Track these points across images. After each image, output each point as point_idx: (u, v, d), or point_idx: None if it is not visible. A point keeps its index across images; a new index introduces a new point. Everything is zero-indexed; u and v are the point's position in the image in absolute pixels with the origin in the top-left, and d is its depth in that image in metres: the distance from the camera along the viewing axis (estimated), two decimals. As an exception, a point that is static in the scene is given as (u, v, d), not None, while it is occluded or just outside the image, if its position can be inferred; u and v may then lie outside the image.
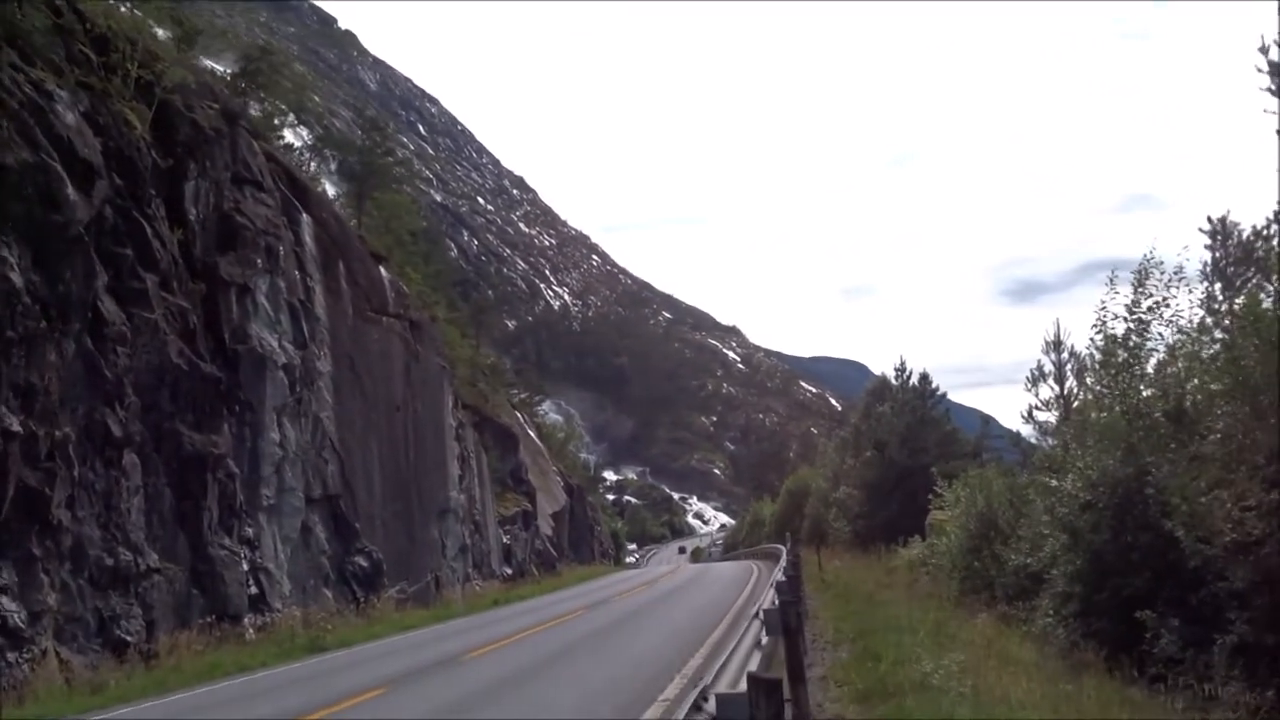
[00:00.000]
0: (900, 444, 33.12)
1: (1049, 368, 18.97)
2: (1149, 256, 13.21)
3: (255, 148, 24.70)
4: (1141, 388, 12.43)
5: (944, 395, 35.57)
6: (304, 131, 57.02)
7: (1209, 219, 13.10)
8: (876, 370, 49.19)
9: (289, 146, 42.34)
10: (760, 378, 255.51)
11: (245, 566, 20.70)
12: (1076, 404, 17.56)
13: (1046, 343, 19.09)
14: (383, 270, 30.59)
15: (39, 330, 15.32)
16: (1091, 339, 14.21)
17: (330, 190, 39.23)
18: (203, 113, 22.62)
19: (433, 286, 62.62)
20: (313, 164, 39.30)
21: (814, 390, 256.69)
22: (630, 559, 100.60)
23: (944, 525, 20.39)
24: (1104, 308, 13.62)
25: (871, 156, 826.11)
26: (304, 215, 26.41)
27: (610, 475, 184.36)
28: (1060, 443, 13.80)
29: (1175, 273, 12.86)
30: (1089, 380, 15.69)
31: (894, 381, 37.77)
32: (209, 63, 28.59)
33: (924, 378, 35.45)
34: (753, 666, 6.63)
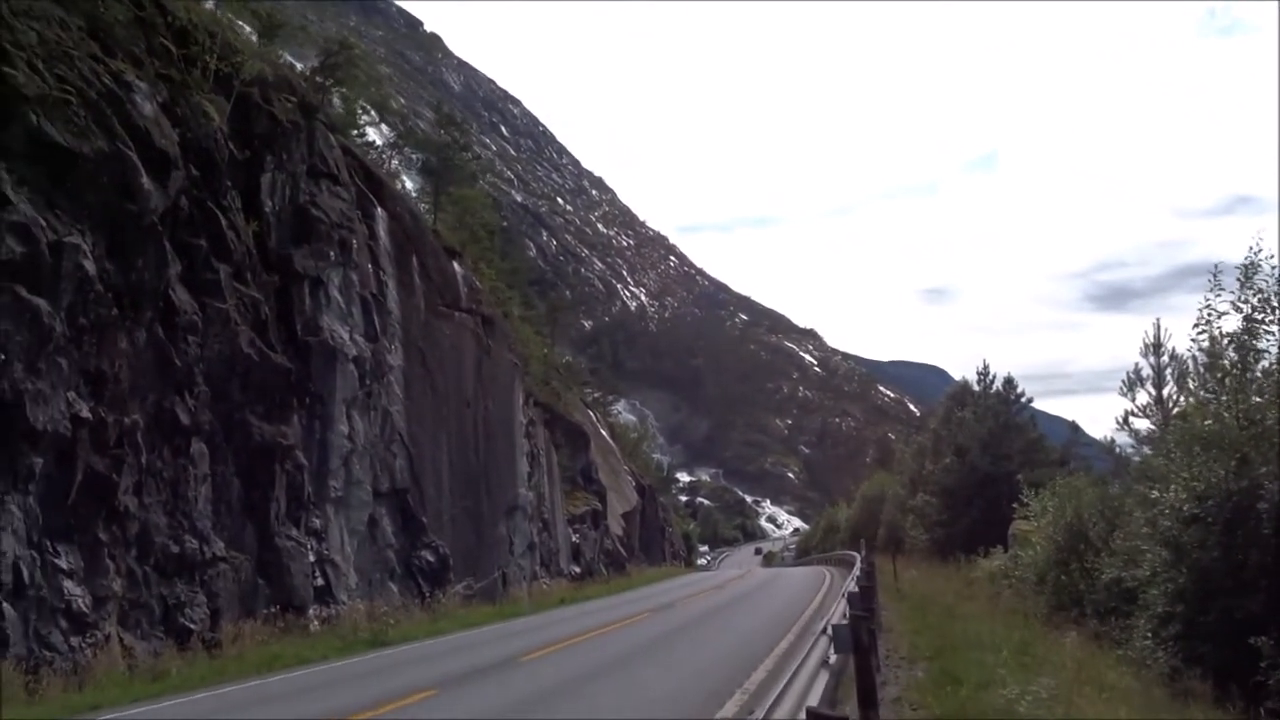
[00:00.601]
0: (982, 450, 31.91)
1: (1147, 371, 17.90)
2: (1255, 249, 12.22)
3: (332, 141, 24.76)
4: (1253, 393, 11.44)
5: (1029, 401, 34.26)
6: (385, 129, 57.81)
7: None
8: (956, 376, 47.68)
9: (370, 144, 42.84)
10: (837, 381, 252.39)
11: (311, 558, 20.69)
12: (1177, 410, 16.46)
13: (1145, 345, 18.00)
14: (456, 265, 30.53)
15: (110, 318, 15.40)
16: (1194, 340, 13.20)
17: (409, 185, 39.51)
18: (280, 106, 22.72)
19: (509, 284, 62.95)
20: (394, 161, 39.62)
21: (892, 395, 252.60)
22: (701, 561, 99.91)
23: (1029, 536, 19.38)
24: (1209, 306, 12.63)
25: (953, 156, 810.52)
26: (379, 209, 26.43)
27: (684, 477, 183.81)
28: (1161, 451, 12.82)
29: None
30: (1192, 384, 14.65)
31: (976, 386, 36.55)
32: (289, 58, 28.80)
33: (1008, 382, 34.21)
34: (819, 689, 6.06)
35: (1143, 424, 17.93)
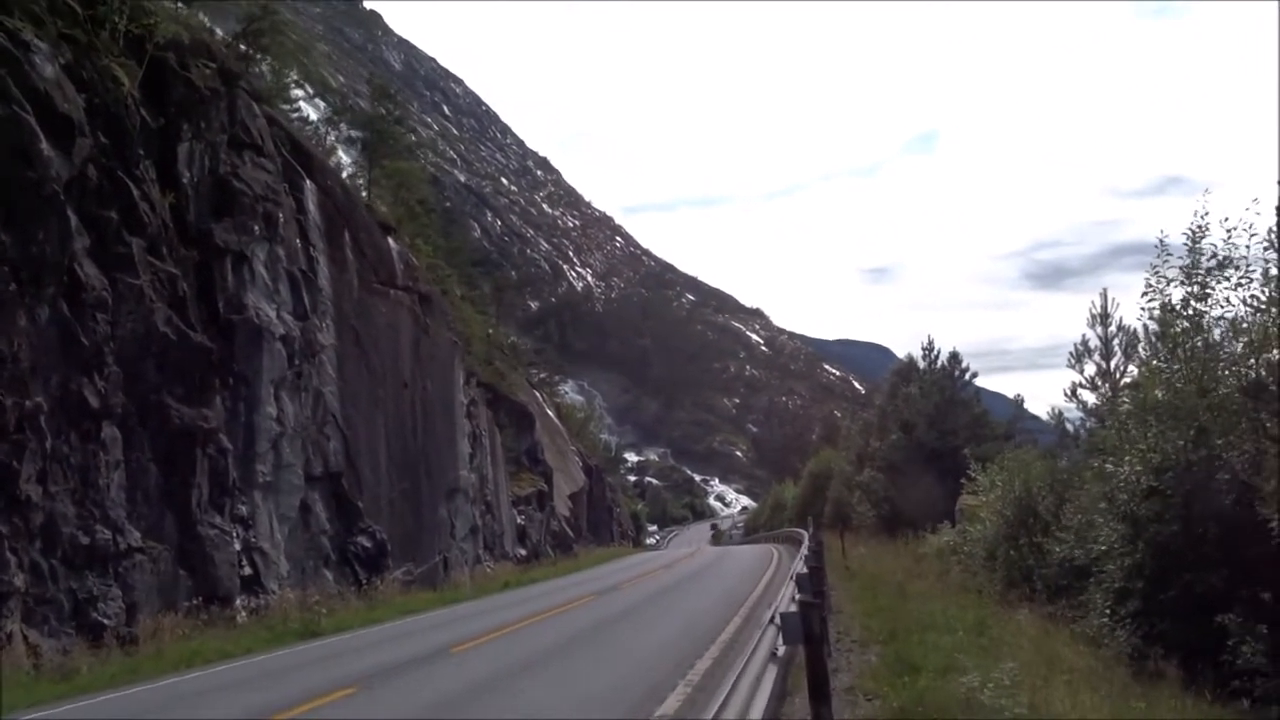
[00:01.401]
0: (928, 425, 31.77)
1: (1095, 342, 17.61)
2: (1202, 213, 11.86)
3: (256, 111, 23.57)
4: (1206, 360, 11.05)
5: (974, 376, 34.17)
6: (321, 104, 56.14)
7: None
8: (900, 354, 47.55)
9: (305, 120, 41.39)
10: (784, 360, 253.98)
11: (238, 546, 19.72)
12: (1127, 382, 16.19)
13: (1092, 315, 17.69)
14: (391, 241, 29.50)
15: (7, 294, 14.33)
16: (1144, 308, 12.83)
17: (345, 160, 38.19)
18: (198, 72, 21.49)
19: (451, 264, 61.77)
20: (330, 137, 38.29)
21: (837, 373, 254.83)
22: (650, 540, 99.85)
23: (977, 511, 19.09)
24: (1157, 272, 12.25)
25: (894, 136, 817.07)
26: (307, 182, 25.31)
27: (632, 457, 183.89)
28: (1114, 423, 12.45)
29: (1240, 230, 11.44)
30: (1143, 354, 14.34)
31: (921, 362, 36.40)
32: (213, 27, 27.43)
33: (954, 357, 34.10)
34: (768, 685, 5.47)
35: (1091, 396, 17.68)
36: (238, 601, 19.30)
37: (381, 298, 28.08)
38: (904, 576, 17.53)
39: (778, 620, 6.10)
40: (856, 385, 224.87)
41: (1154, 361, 12.39)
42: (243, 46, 25.70)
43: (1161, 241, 12.25)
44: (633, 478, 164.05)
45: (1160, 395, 11.21)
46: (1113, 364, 17.38)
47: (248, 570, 20.15)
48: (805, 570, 9.94)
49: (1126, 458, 11.18)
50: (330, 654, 14.60)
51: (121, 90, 18.74)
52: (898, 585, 15.32)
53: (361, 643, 15.97)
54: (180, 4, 23.07)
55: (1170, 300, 12.05)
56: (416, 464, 28.81)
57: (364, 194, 33.17)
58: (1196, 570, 9.60)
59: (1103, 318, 17.61)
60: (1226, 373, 10.82)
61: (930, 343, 35.13)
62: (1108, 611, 10.80)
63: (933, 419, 31.89)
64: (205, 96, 21.41)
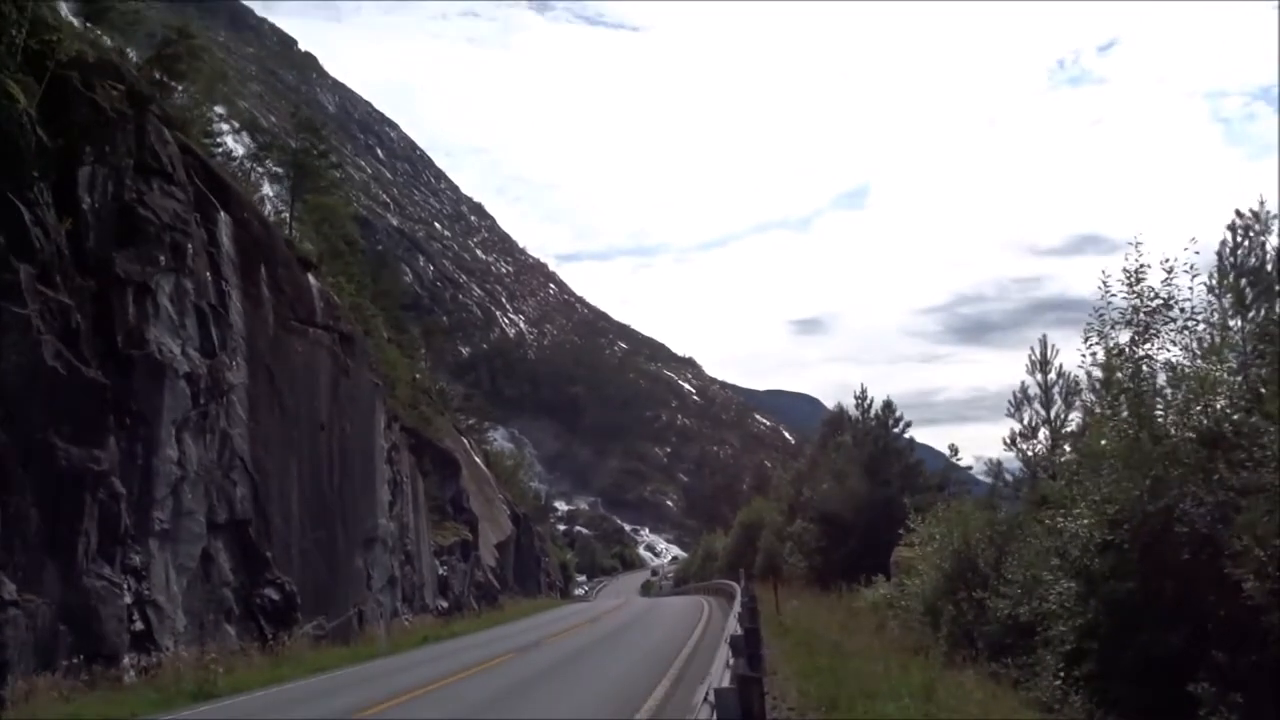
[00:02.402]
0: (862, 474, 31.31)
1: (1034, 390, 17.24)
2: (1138, 253, 11.54)
3: (167, 136, 22.42)
4: (1153, 406, 10.61)
5: (908, 425, 33.87)
6: (246, 138, 54.69)
7: (1237, 213, 11.37)
8: (829, 404, 47.37)
9: (229, 155, 40.02)
10: (715, 410, 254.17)
11: (128, 599, 18.26)
12: (1069, 430, 15.80)
13: (1031, 361, 17.35)
14: (311, 278, 28.33)
15: None
16: (1085, 353, 12.42)
17: (269, 193, 36.94)
18: (104, 93, 20.38)
19: (380, 305, 60.37)
20: (256, 171, 37.07)
21: (768, 423, 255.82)
22: (579, 591, 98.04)
23: (913, 564, 18.50)
24: (1100, 314, 11.86)
25: (827, 189, 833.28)
26: (221, 214, 24.13)
27: (562, 505, 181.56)
28: (1065, 474, 11.92)
29: (1181, 271, 11.10)
30: (1087, 401, 13.94)
31: (854, 411, 36.09)
32: (127, 49, 26.25)
33: (887, 405, 33.82)
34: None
35: (1032, 445, 17.26)
36: (125, 660, 17.81)
37: (299, 336, 26.85)
38: (840, 632, 16.76)
39: (711, 698, 5.27)
40: (786, 435, 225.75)
41: (1097, 409, 11.94)
42: (156, 73, 24.61)
43: (1104, 283, 11.87)
44: (562, 526, 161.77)
45: (1105, 444, 10.72)
46: (1053, 412, 17.06)
47: (139, 625, 18.68)
48: (739, 631, 9.11)
49: (1076, 510, 10.63)
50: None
51: (16, 107, 17.57)
52: (834, 643, 14.49)
53: (256, 706, 14.71)
54: (87, 25, 21.93)
55: (1114, 344, 11.64)
56: (332, 511, 27.42)
57: (287, 230, 32.01)
58: (1154, 630, 9.02)
59: (1042, 364, 17.28)
60: (1172, 420, 10.38)
61: (863, 391, 34.88)
62: (1060, 674, 10.17)
63: (866, 468, 31.45)
64: (111, 119, 20.26)
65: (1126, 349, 11.36)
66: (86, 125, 19.70)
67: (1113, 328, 11.69)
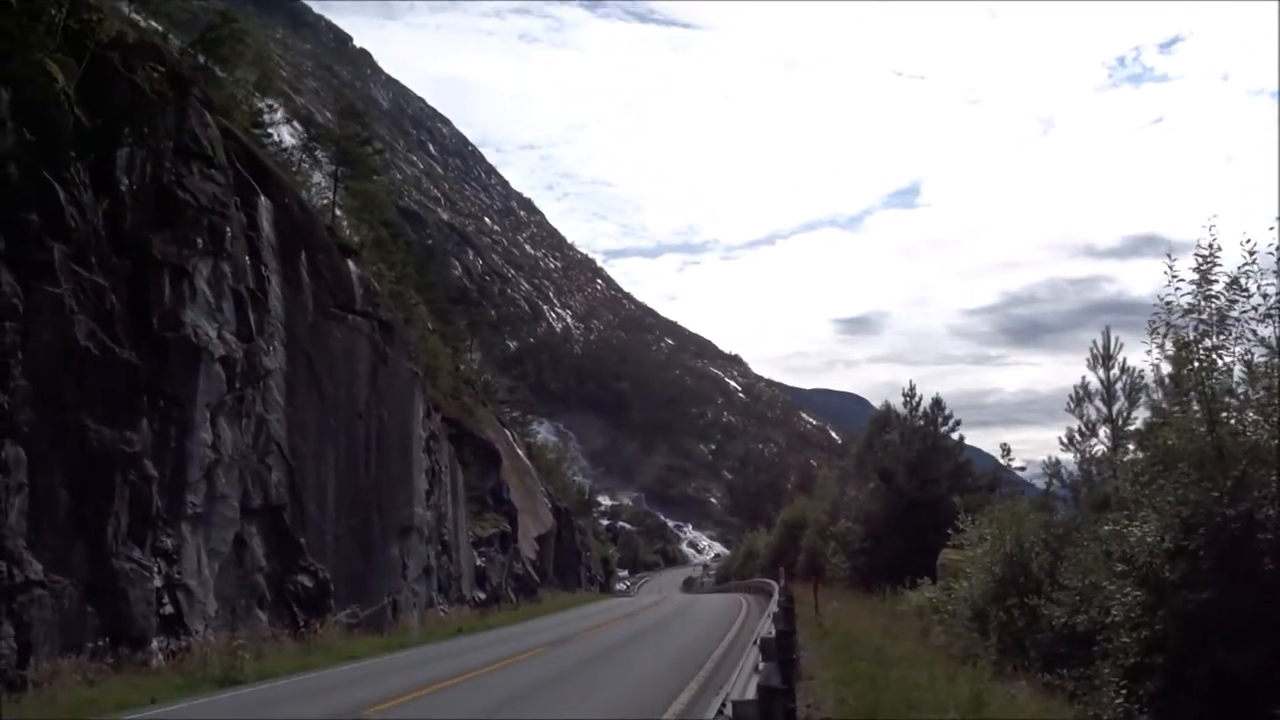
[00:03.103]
0: (909, 474, 30.41)
1: (1095, 386, 16.32)
2: (1210, 226, 10.65)
3: (208, 119, 22.30)
4: (1226, 402, 9.78)
5: (958, 422, 32.76)
6: (297, 126, 54.85)
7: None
8: (876, 404, 46.18)
9: (279, 145, 40.03)
10: (761, 408, 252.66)
11: (158, 582, 18.10)
12: (1133, 428, 14.90)
13: (1093, 355, 16.43)
14: (351, 264, 28.14)
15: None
16: (1154, 348, 11.53)
17: (319, 179, 36.83)
18: (145, 74, 20.28)
19: (426, 297, 60.40)
20: (305, 162, 37.07)
21: (814, 422, 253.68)
22: (620, 586, 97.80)
23: (960, 567, 17.72)
24: (1168, 301, 10.98)
25: (878, 188, 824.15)
26: (261, 198, 23.98)
27: (605, 500, 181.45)
28: (1129, 475, 11.06)
29: (1263, 252, 10.21)
30: (1155, 398, 13.05)
31: (902, 409, 35.12)
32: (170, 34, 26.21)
33: (936, 403, 32.78)
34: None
35: (1089, 446, 16.33)
36: (154, 644, 17.64)
37: (338, 323, 26.66)
38: (882, 636, 16.07)
39: (728, 710, 4.69)
40: (833, 435, 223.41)
41: (1164, 405, 11.11)
42: (199, 56, 24.51)
43: (1170, 269, 11.01)
44: (605, 521, 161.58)
45: (1175, 442, 9.91)
46: (1115, 409, 16.15)
47: (169, 609, 18.52)
48: (772, 633, 8.52)
49: (1143, 513, 9.83)
50: (238, 708, 13.03)
51: (54, 86, 17.47)
52: (876, 649, 13.83)
53: (278, 695, 14.42)
54: (130, 5, 21.84)
55: (1184, 336, 10.80)
56: (368, 499, 27.21)
57: (332, 215, 31.88)
58: (1230, 645, 8.24)
59: (1104, 359, 16.36)
60: (1250, 419, 9.56)
61: (912, 388, 33.89)
62: (1121, 690, 9.38)
63: (914, 467, 30.55)
64: (151, 100, 20.16)
65: (1197, 341, 10.52)
66: (126, 106, 19.60)
67: (1183, 316, 10.83)
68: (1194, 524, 8.98)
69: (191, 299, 20.27)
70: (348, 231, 31.57)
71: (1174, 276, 10.96)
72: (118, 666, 16.01)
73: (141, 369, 18.09)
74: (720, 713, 4.86)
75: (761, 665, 7.35)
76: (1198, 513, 8.99)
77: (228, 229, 21.60)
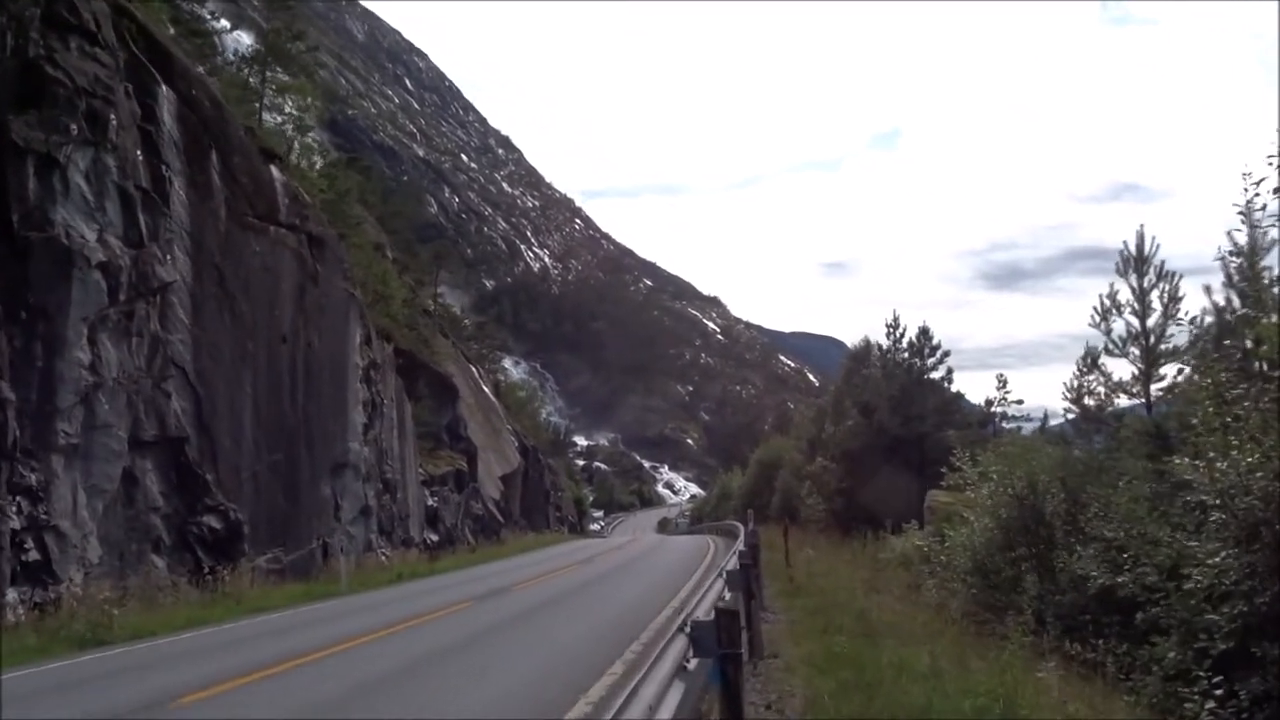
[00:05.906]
0: (892, 409, 27.89)
1: (1126, 295, 13.68)
2: None
3: (95, -11, 19.09)
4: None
5: (946, 353, 29.91)
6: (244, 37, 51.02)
7: None
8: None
9: (226, 59, 36.41)
10: (739, 350, 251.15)
11: (17, 524, 15.42)
12: (1170, 346, 12.36)
13: (1123, 259, 13.78)
14: (274, 170, 25.07)
15: None
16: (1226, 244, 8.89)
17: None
18: (3, -74, 17.07)
19: (390, 230, 57.20)
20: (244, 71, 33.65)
21: (792, 365, 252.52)
22: (594, 526, 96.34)
23: (954, 510, 15.25)
24: (1251, 176, 8.39)
25: (858, 132, 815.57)
26: (162, 88, 20.84)
27: (581, 440, 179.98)
28: (1211, 394, 8.39)
29: None
30: (1218, 299, 10.44)
31: (885, 340, 32.40)
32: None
33: (924, 332, 29.88)
34: None
35: (1118, 366, 13.71)
36: (10, 595, 15.01)
37: (257, 234, 23.69)
38: (865, 594, 13.50)
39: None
40: (811, 378, 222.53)
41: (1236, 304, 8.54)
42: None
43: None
44: (581, 462, 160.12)
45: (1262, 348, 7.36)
46: (1150, 323, 13.54)
47: (34, 555, 15.85)
48: (721, 603, 5.85)
49: (1239, 448, 7.23)
50: (65, 684, 10.43)
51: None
52: (858, 612, 11.21)
53: (140, 661, 11.87)
54: None
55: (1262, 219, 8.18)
56: (294, 432, 24.49)
57: (259, 118, 28.71)
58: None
59: (1138, 263, 13.67)
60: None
61: (895, 318, 31.04)
62: (1213, 690, 6.84)
63: (897, 402, 28.02)
64: (11, -42, 17.00)
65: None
66: (-23, -38, 16.47)
67: (1259, 196, 8.23)
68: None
69: (64, 195, 17.29)
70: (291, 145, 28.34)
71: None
72: (-45, 623, 13.41)
73: (-8, 273, 15.21)
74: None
75: (692, 659, 4.81)
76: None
77: (113, 116, 18.52)
